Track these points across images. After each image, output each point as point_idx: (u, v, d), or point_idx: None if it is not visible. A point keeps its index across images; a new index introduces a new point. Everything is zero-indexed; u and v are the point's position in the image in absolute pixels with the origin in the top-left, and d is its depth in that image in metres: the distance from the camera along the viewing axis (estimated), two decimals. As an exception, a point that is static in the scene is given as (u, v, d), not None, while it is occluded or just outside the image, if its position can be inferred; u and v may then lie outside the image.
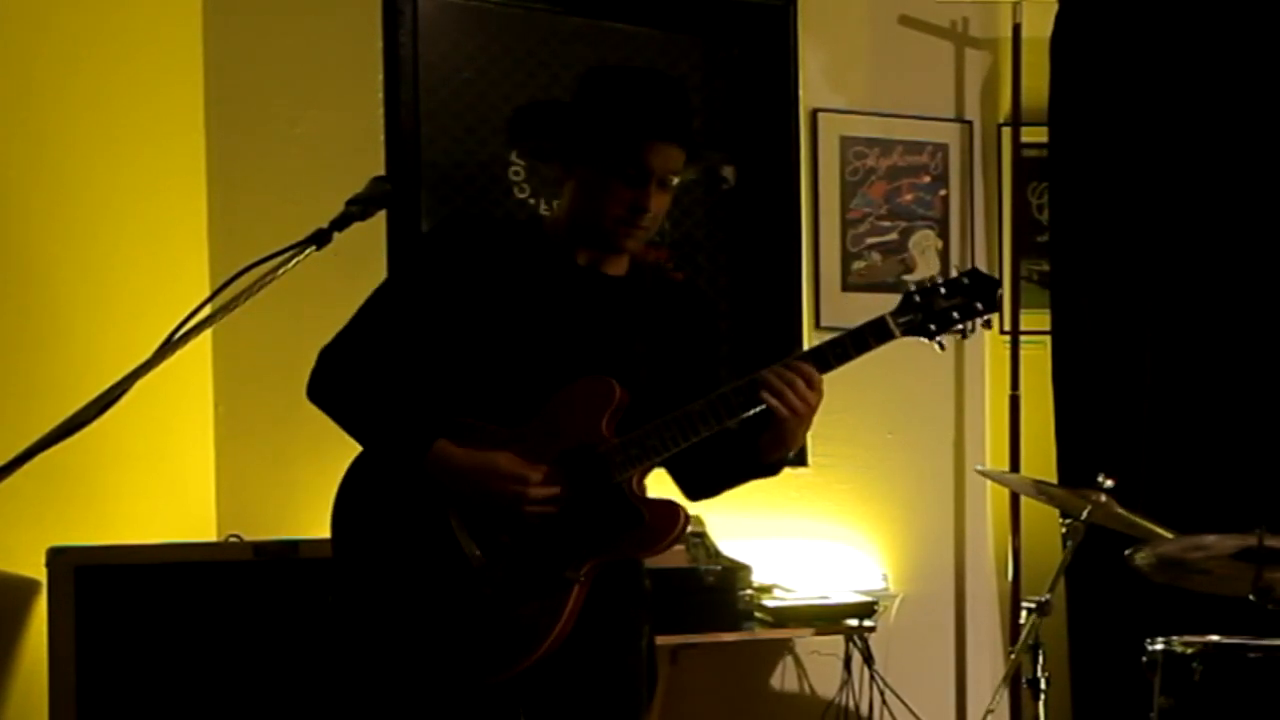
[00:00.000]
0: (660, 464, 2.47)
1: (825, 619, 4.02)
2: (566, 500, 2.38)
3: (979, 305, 2.38)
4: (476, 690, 2.39)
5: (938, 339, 2.40)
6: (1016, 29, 4.63)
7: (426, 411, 2.41)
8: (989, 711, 3.43)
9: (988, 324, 2.43)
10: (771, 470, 2.53)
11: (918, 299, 2.38)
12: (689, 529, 3.77)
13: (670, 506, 2.42)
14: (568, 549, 2.37)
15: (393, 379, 2.43)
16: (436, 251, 2.50)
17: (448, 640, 2.37)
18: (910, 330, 2.38)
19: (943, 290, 2.38)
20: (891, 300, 2.41)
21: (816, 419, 2.41)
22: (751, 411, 2.37)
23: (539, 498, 2.36)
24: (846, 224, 4.57)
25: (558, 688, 2.43)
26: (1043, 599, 3.42)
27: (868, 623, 4.05)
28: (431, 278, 2.46)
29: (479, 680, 2.38)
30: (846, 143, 4.58)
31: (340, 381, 2.44)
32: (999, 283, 2.42)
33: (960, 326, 2.39)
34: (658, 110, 2.42)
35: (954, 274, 2.40)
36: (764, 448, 2.45)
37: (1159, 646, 3.27)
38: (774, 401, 2.34)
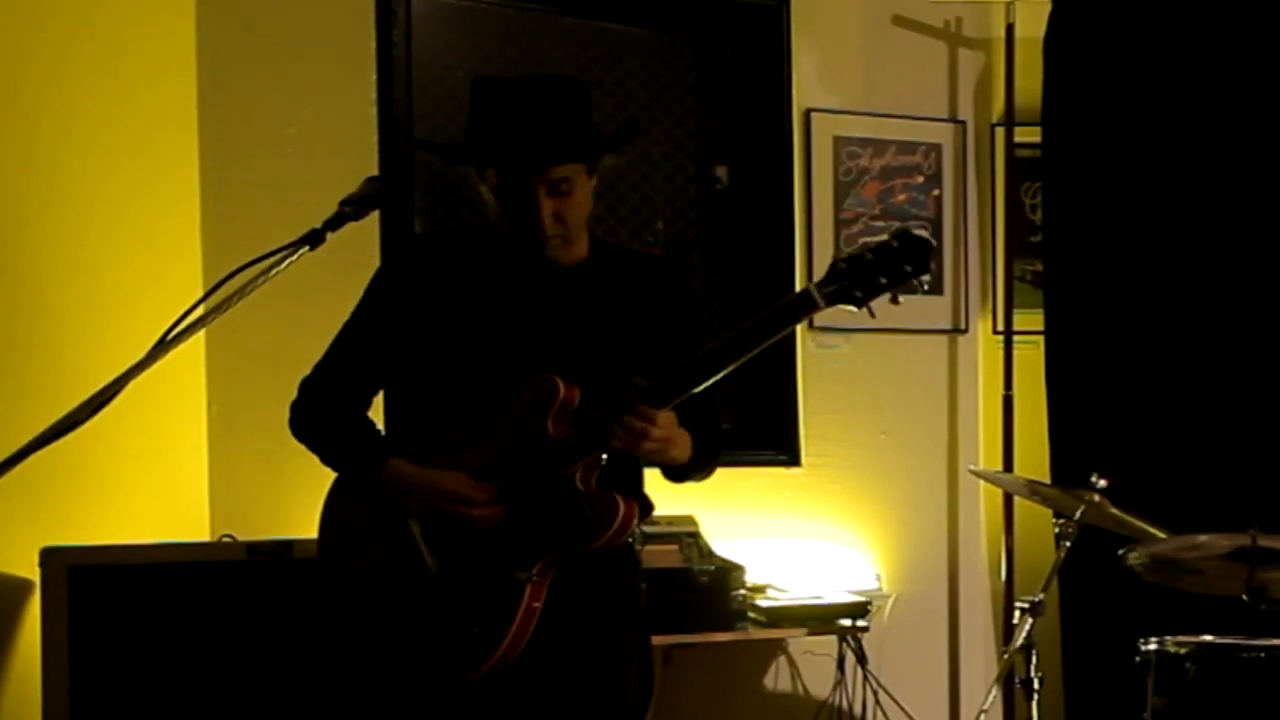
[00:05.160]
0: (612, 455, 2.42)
1: (819, 619, 4.02)
2: (515, 504, 2.40)
3: (908, 268, 2.25)
4: (456, 693, 2.42)
5: (867, 305, 2.27)
6: (1010, 29, 4.63)
7: (381, 432, 2.54)
8: (982, 712, 3.42)
9: (923, 286, 2.27)
10: (678, 476, 2.56)
11: (843, 266, 2.26)
12: (685, 529, 3.85)
13: (610, 500, 2.37)
14: (517, 550, 2.39)
15: (353, 404, 2.55)
16: (392, 277, 2.57)
17: (414, 644, 2.43)
18: (836, 299, 2.26)
19: (869, 256, 2.26)
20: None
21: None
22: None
23: (482, 517, 2.39)
24: (840, 224, 4.57)
25: (541, 689, 2.45)
26: (1036, 599, 3.42)
27: (861, 623, 4.05)
28: (390, 303, 2.53)
29: (447, 683, 2.41)
30: (840, 143, 4.58)
31: (305, 413, 2.55)
32: (929, 243, 2.28)
33: (890, 292, 2.27)
34: (520, 142, 2.36)
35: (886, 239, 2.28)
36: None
37: (1152, 647, 3.26)
38: (622, 446, 2.34)
